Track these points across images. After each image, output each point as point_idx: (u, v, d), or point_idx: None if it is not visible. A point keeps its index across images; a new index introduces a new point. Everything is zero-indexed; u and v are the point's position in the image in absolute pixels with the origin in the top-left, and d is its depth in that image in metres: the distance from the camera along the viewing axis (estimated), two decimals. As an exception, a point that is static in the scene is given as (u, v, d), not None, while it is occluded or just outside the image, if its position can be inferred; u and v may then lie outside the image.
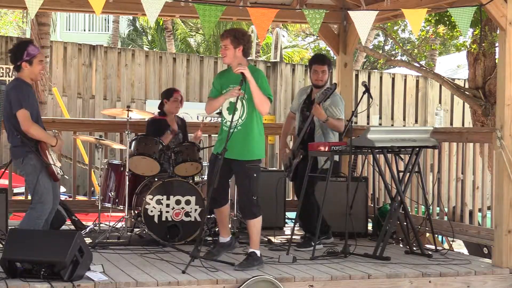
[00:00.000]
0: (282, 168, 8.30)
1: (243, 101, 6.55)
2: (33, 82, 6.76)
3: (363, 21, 7.13)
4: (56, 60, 15.43)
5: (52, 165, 6.61)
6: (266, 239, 8.00)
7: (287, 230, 8.78)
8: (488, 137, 7.27)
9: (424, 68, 12.94)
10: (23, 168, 6.65)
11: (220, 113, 8.55)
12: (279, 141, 8.42)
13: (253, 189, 6.61)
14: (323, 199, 7.30)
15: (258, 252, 6.62)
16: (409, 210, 7.91)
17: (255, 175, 6.61)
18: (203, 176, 8.22)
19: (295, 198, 9.44)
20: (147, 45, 29.82)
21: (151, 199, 7.71)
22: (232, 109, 6.53)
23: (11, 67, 14.40)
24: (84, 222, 8.39)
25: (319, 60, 7.95)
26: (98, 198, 8.05)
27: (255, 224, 6.64)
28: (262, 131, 6.72)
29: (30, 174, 6.61)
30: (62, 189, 9.82)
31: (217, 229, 8.20)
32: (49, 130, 7.01)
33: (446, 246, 8.67)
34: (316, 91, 7.84)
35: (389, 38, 24.14)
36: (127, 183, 7.77)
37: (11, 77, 14.48)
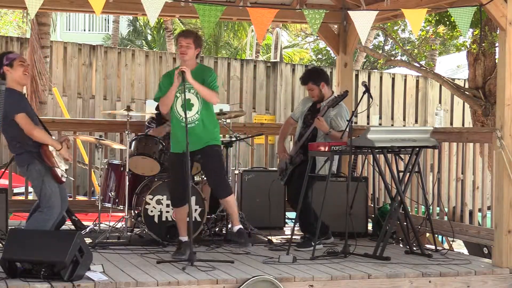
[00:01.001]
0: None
1: (198, 96, 6.88)
2: (22, 88, 6.71)
3: (363, 21, 7.13)
4: (56, 60, 15.43)
5: (56, 168, 6.59)
6: (266, 239, 8.00)
7: (287, 230, 8.78)
8: (488, 137, 7.27)
9: (424, 68, 12.94)
10: (29, 175, 6.65)
11: (221, 113, 8.58)
12: (277, 145, 8.36)
13: (224, 169, 7.08)
14: (322, 199, 7.29)
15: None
16: (409, 210, 7.91)
17: (222, 156, 7.11)
18: (203, 176, 8.21)
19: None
20: (145, 46, 29.79)
21: (151, 199, 7.72)
22: (187, 105, 6.81)
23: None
24: (84, 222, 8.38)
25: (302, 81, 7.93)
26: (98, 198, 8.05)
27: (233, 200, 6.99)
28: (216, 121, 7.14)
29: (36, 179, 6.61)
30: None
31: (217, 229, 8.23)
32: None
33: (446, 246, 8.68)
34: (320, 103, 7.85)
35: (389, 38, 24.15)
36: (127, 183, 7.77)
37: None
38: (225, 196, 7.02)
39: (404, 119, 17.88)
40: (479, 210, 7.63)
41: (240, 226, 6.95)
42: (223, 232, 8.20)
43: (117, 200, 7.98)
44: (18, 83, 6.66)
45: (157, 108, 8.54)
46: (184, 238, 7.03)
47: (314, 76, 7.88)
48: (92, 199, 9.10)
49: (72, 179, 9.06)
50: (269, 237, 8.06)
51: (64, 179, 6.71)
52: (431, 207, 7.93)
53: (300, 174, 7.60)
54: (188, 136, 6.68)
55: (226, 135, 8.82)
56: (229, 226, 8.11)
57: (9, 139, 6.64)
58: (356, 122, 15.18)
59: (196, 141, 6.82)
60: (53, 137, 6.82)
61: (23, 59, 6.80)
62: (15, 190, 9.94)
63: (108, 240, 7.55)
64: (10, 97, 6.45)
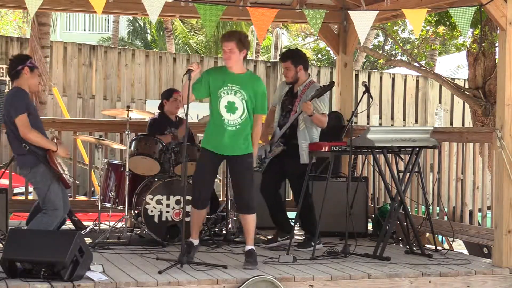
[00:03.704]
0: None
1: (243, 101, 6.68)
2: (30, 93, 6.70)
3: (363, 21, 7.13)
4: (56, 60, 15.43)
5: (63, 174, 6.59)
6: (266, 239, 7.99)
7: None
8: (488, 137, 7.27)
9: (424, 68, 12.95)
10: (32, 177, 6.59)
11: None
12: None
13: (253, 183, 6.78)
14: (322, 199, 7.30)
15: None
16: (409, 210, 7.91)
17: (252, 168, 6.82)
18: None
19: (290, 198, 9.43)
20: (143, 47, 29.76)
21: (151, 199, 7.71)
22: (231, 107, 6.66)
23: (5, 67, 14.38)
24: (84, 222, 8.38)
25: (281, 58, 7.79)
26: (98, 198, 8.05)
27: (255, 219, 6.76)
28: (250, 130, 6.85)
29: (40, 182, 6.56)
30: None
31: (217, 229, 8.23)
32: (47, 131, 6.94)
33: (446, 246, 8.68)
34: (297, 86, 7.62)
35: (389, 38, 24.15)
36: (127, 183, 7.77)
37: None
38: (249, 213, 6.75)
39: (404, 119, 17.89)
40: (479, 210, 7.63)
41: (252, 247, 6.70)
42: (223, 232, 8.20)
43: (117, 200, 7.97)
44: (28, 87, 6.65)
45: (160, 107, 8.55)
46: (195, 241, 6.87)
47: (295, 56, 7.69)
48: (92, 199, 9.10)
49: (78, 182, 9.06)
50: (269, 237, 8.06)
51: (70, 183, 6.71)
52: (431, 207, 7.93)
53: (280, 166, 7.49)
54: (226, 139, 6.65)
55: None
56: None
57: (13, 137, 6.58)
58: (356, 122, 15.19)
59: (228, 145, 6.70)
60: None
61: (40, 72, 6.83)
62: (15, 190, 9.94)
63: (108, 240, 7.54)
64: (17, 97, 6.48)
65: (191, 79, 6.54)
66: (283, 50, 7.92)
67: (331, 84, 7.59)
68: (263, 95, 6.81)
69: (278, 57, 19.47)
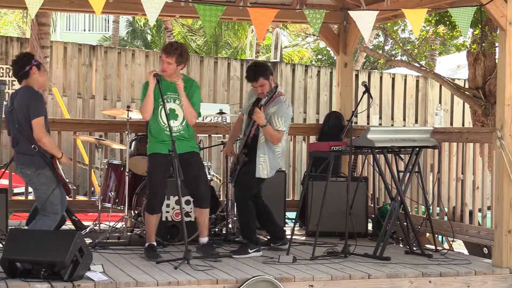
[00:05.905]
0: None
1: (181, 107, 6.91)
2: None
3: (364, 21, 7.13)
4: (56, 60, 15.42)
5: (67, 181, 6.64)
6: (266, 239, 7.99)
7: (287, 230, 8.76)
8: (488, 137, 7.27)
9: (424, 68, 12.94)
10: (35, 178, 6.56)
11: (221, 113, 8.58)
12: (226, 143, 8.00)
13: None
14: (322, 199, 7.30)
15: None
16: (409, 210, 7.91)
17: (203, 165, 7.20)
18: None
19: (296, 198, 9.45)
20: (143, 47, 29.77)
21: (151, 199, 7.71)
22: (173, 115, 6.90)
23: (8, 66, 14.39)
24: (84, 222, 8.38)
25: (250, 78, 7.40)
26: (98, 198, 8.05)
27: (208, 212, 7.12)
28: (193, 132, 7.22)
29: (43, 185, 6.55)
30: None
31: (216, 229, 8.23)
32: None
33: (446, 246, 8.68)
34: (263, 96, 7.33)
35: (389, 38, 24.15)
36: (127, 183, 7.77)
37: (11, 77, 14.46)
38: (206, 206, 7.03)
39: (404, 119, 17.88)
40: (479, 210, 7.63)
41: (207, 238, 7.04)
42: (223, 232, 8.20)
43: (117, 200, 7.98)
44: (38, 87, 6.66)
45: None
46: (154, 242, 7.04)
47: (263, 70, 7.44)
48: (92, 199, 9.10)
49: (74, 187, 9.06)
50: (269, 237, 8.05)
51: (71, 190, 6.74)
52: (431, 207, 7.93)
53: (243, 175, 7.32)
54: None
55: (226, 135, 8.81)
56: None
57: (25, 136, 6.55)
58: (356, 122, 15.19)
59: (178, 147, 6.78)
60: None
61: (46, 68, 6.86)
62: (15, 190, 9.94)
63: (108, 240, 7.55)
64: (38, 98, 6.49)
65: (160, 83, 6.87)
66: (250, 67, 7.42)
67: (274, 90, 7.26)
68: (197, 99, 6.98)
69: (278, 58, 19.47)
